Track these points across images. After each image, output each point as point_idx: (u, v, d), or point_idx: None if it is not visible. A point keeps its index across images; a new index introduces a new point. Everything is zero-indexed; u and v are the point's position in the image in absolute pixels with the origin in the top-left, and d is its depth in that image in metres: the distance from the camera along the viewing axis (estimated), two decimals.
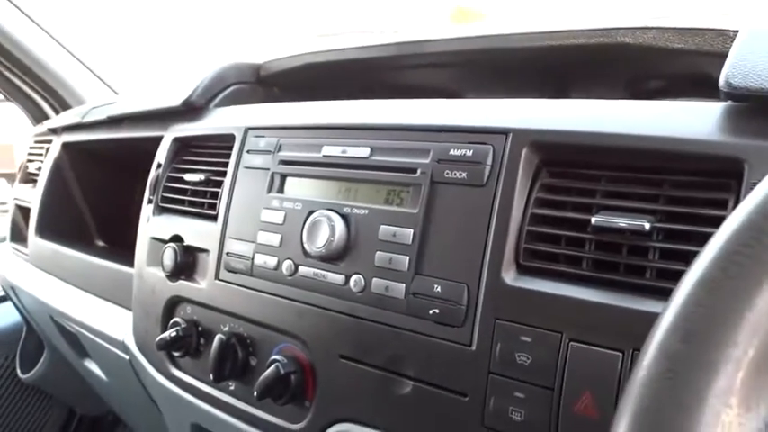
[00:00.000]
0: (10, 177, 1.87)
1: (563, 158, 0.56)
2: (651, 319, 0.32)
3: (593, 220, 0.51)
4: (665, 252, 0.49)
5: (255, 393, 0.68)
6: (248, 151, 0.78)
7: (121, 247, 1.18)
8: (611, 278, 0.50)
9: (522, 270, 0.55)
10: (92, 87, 1.50)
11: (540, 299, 0.52)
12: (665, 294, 0.34)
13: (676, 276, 0.34)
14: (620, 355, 0.48)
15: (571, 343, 0.50)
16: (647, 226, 0.49)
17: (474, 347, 0.55)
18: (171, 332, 0.81)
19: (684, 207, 0.49)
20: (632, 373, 0.28)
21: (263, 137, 0.77)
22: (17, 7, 1.40)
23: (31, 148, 1.48)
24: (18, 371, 1.57)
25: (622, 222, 0.50)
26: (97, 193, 1.36)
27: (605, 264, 0.51)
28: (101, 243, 1.37)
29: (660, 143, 0.50)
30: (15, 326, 1.62)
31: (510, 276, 0.54)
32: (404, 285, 0.60)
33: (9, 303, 1.61)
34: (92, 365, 1.24)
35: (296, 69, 0.96)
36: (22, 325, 1.61)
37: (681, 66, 0.67)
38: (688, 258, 0.47)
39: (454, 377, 0.56)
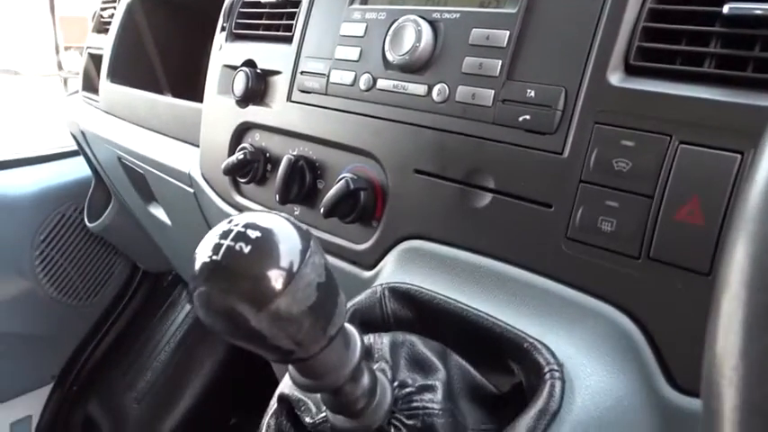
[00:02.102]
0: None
1: None
2: None
3: (725, 8, 0.45)
4: None
5: (322, 210, 0.66)
6: None
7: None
8: (738, 75, 0.45)
9: (632, 71, 0.49)
10: None
11: (650, 100, 0.47)
12: None
13: None
14: (739, 156, 0.43)
15: (681, 146, 0.45)
16: None
17: (566, 155, 0.51)
18: (238, 155, 0.79)
19: None
20: None
21: None
22: None
23: None
24: (86, 220, 1.62)
25: (759, 10, 0.43)
26: (168, 44, 1.34)
27: (732, 60, 0.45)
28: (169, 96, 1.36)
29: None
30: (84, 179, 1.67)
31: (616, 77, 0.49)
32: (493, 92, 0.55)
33: (79, 158, 1.66)
34: (157, 211, 1.26)
35: None
36: (90, 178, 1.65)
37: None
38: None
39: (540, 188, 0.52)
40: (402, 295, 0.56)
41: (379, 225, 0.65)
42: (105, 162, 1.39)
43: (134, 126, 1.19)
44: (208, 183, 0.91)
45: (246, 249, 0.33)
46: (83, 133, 1.41)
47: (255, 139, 0.81)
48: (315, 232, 0.72)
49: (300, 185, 0.73)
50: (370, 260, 0.66)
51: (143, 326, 1.78)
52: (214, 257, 0.33)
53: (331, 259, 0.70)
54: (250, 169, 0.80)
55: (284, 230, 0.34)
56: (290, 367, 0.39)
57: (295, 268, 0.33)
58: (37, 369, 1.71)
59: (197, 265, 0.33)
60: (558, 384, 0.45)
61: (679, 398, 0.46)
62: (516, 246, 0.54)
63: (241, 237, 0.33)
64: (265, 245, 0.33)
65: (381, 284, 0.57)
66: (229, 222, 0.34)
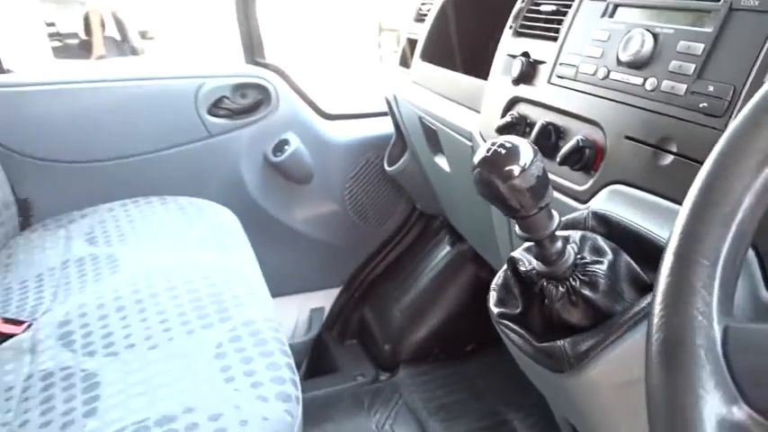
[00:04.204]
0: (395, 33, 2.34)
1: None
2: None
3: None
4: None
5: (558, 160, 0.96)
6: None
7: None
8: None
9: None
10: None
11: None
12: None
13: None
14: None
15: None
16: None
17: None
18: (507, 119, 1.13)
19: None
20: None
21: None
22: None
23: None
24: (385, 165, 2.11)
25: None
26: (466, 34, 1.71)
27: None
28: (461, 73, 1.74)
29: None
30: (385, 134, 2.16)
31: None
32: (686, 86, 0.80)
33: (384, 119, 2.15)
34: (441, 161, 1.66)
35: None
36: (392, 134, 2.13)
37: None
38: None
39: (707, 153, 0.76)
40: (600, 217, 0.84)
41: (596, 173, 0.93)
42: (408, 120, 1.83)
43: (434, 94, 1.59)
44: (483, 138, 1.26)
45: (503, 152, 0.65)
46: (395, 97, 1.87)
47: (520, 109, 1.14)
48: (551, 176, 1.03)
49: (547, 142, 1.03)
50: (586, 197, 0.94)
51: (413, 255, 2.24)
52: (486, 154, 0.66)
53: (559, 195, 1.01)
54: (514, 130, 1.13)
55: (524, 146, 0.66)
56: (517, 228, 0.71)
57: (527, 165, 0.65)
58: (334, 272, 2.28)
59: (478, 157, 0.67)
60: None
61: None
62: (686, 192, 0.78)
63: (501, 146, 0.66)
64: (513, 150, 0.65)
65: (588, 209, 0.86)
66: (497, 139, 0.67)
